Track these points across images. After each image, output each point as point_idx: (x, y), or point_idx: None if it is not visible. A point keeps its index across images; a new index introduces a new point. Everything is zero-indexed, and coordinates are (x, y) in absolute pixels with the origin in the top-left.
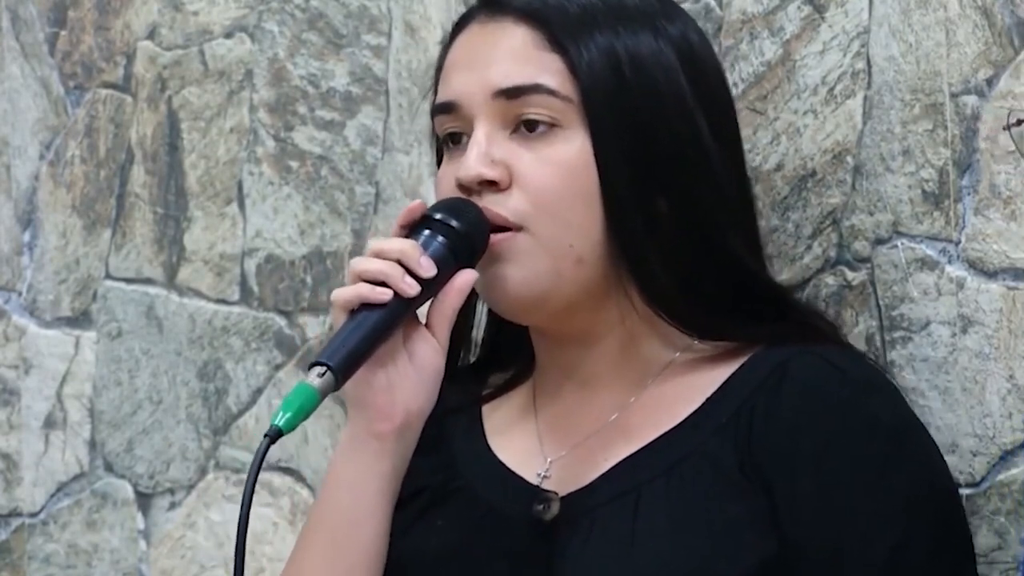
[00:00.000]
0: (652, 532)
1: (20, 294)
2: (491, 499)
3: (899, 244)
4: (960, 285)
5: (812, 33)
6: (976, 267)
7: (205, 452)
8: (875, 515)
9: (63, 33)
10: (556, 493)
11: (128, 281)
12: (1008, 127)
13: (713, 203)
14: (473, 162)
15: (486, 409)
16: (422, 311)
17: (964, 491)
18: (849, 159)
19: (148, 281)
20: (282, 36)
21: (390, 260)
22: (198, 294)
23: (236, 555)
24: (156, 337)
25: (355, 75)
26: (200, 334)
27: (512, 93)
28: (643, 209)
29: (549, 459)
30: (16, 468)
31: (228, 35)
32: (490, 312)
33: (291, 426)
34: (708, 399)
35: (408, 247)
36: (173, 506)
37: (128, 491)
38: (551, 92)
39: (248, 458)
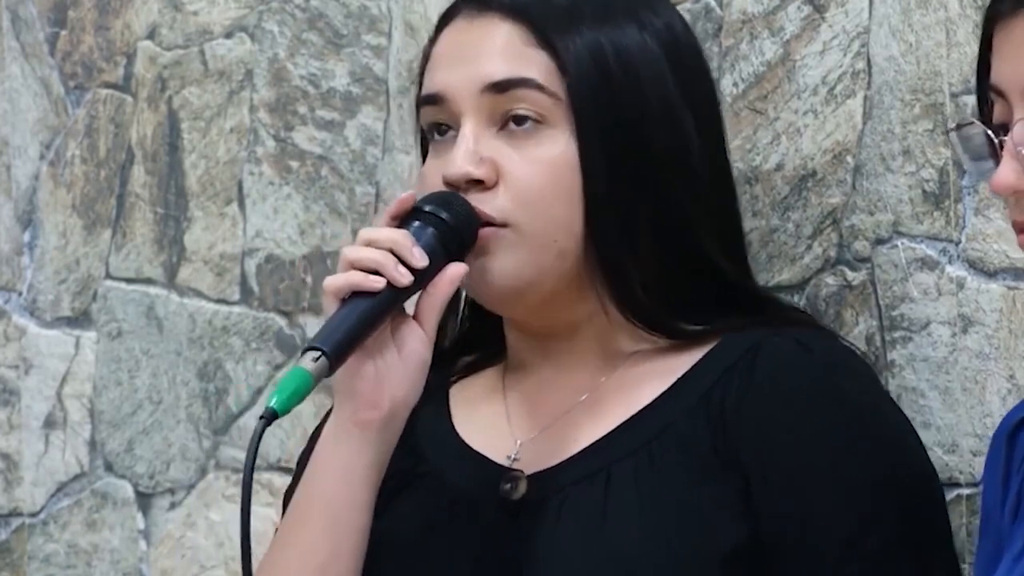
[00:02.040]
0: (622, 513)
1: (20, 294)
2: (458, 482)
3: (899, 244)
4: (960, 285)
5: (812, 33)
6: (976, 267)
7: (205, 452)
8: (839, 493)
9: (63, 33)
10: (522, 472)
11: (128, 281)
12: (947, 132)
13: (691, 204)
14: (461, 160)
15: (453, 391)
16: (409, 302)
17: (964, 491)
18: (849, 159)
19: (148, 281)
20: (282, 36)
21: (382, 249)
22: (198, 294)
23: (242, 543)
24: (156, 337)
25: (355, 75)
26: (200, 334)
27: (501, 87)
28: (620, 209)
29: (519, 440)
30: (16, 468)
31: (228, 35)
32: (471, 302)
33: (285, 408)
34: (679, 379)
35: (400, 237)
36: (173, 506)
37: (128, 491)
38: (539, 87)
39: None
